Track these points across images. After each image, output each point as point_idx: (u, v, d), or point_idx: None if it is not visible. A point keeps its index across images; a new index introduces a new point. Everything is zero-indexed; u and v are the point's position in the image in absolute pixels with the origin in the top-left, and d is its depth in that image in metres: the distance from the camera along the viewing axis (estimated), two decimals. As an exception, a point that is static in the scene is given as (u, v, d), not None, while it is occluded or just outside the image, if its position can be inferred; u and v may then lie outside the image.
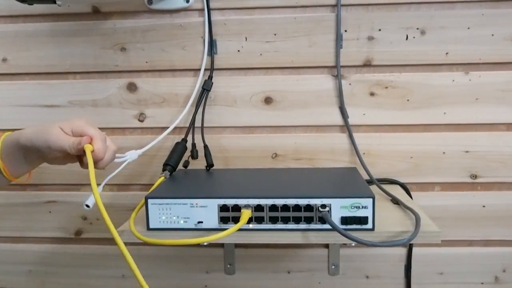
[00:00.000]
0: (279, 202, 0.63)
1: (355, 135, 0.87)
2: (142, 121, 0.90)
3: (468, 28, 0.83)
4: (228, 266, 0.94)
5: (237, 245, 0.93)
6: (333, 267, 0.92)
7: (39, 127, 0.60)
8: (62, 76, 0.91)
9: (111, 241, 0.96)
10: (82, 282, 0.99)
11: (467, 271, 0.92)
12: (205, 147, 0.86)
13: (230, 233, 0.59)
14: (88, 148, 0.56)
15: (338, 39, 0.84)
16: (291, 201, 0.63)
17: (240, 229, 0.62)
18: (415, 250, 0.91)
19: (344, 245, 0.89)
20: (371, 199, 0.62)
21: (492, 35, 0.83)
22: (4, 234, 0.98)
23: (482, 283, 0.92)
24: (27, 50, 0.90)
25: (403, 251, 0.92)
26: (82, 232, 0.96)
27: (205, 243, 0.63)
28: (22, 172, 0.63)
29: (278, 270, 0.94)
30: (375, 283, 0.93)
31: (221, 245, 0.94)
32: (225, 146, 0.90)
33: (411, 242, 0.61)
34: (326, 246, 0.92)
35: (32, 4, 0.76)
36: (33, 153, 0.60)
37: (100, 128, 0.94)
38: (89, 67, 0.90)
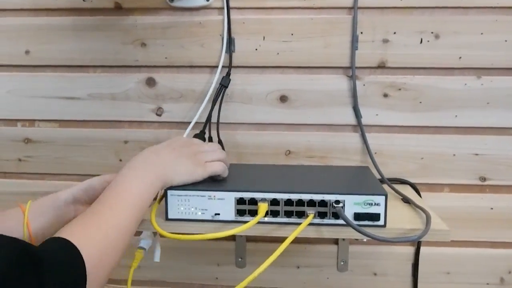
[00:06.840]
0: (295, 196, 0.65)
1: (367, 135, 0.89)
2: (159, 115, 0.92)
3: (481, 33, 0.85)
4: (239, 259, 0.96)
5: (248, 239, 0.95)
6: (342, 263, 0.94)
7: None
8: (83, 69, 0.93)
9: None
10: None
11: (473, 271, 0.93)
12: (220, 142, 0.88)
13: (250, 226, 0.61)
14: None
15: (354, 41, 0.86)
16: (306, 196, 0.65)
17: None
18: (422, 249, 0.92)
19: (356, 240, 0.91)
20: (383, 197, 0.64)
21: (505, 41, 0.85)
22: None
23: (487, 284, 0.93)
24: (49, 43, 0.92)
25: (411, 250, 0.93)
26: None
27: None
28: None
29: (287, 265, 0.96)
30: (383, 280, 0.95)
31: (233, 239, 0.96)
32: (240, 142, 0.92)
33: (421, 240, 0.63)
34: (336, 242, 0.94)
35: (59, -2, 0.78)
36: None
37: (117, 122, 0.96)
38: (109, 61, 0.92)
